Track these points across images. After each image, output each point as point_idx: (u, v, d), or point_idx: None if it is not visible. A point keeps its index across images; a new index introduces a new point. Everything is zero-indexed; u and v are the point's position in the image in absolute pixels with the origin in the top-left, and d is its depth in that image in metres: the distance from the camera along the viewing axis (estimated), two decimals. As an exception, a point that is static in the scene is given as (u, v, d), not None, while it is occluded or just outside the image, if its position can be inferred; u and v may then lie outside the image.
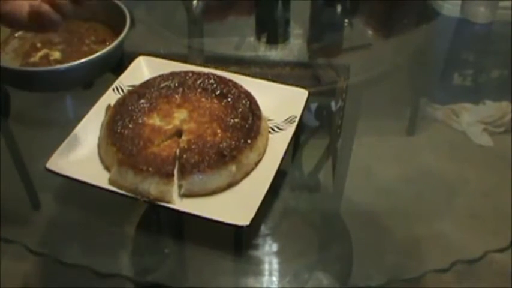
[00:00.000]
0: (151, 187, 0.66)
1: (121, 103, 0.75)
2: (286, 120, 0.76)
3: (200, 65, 0.84)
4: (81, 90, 0.90)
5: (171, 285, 0.64)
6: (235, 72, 0.82)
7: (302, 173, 0.81)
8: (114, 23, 0.92)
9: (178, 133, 0.72)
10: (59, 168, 0.68)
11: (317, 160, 0.81)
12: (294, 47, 1.00)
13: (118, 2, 0.92)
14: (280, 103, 0.77)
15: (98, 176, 0.68)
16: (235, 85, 0.78)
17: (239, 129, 0.72)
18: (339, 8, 1.06)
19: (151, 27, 1.05)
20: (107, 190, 0.67)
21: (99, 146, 0.73)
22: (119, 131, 0.71)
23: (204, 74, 0.79)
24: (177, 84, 0.78)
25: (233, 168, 0.67)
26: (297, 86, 0.80)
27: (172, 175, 0.67)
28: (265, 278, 0.66)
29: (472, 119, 0.86)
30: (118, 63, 0.88)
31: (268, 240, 0.71)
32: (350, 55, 1.00)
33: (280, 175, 0.70)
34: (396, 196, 0.76)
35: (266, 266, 0.68)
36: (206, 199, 0.67)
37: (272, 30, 1.04)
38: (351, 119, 0.88)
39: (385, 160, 0.81)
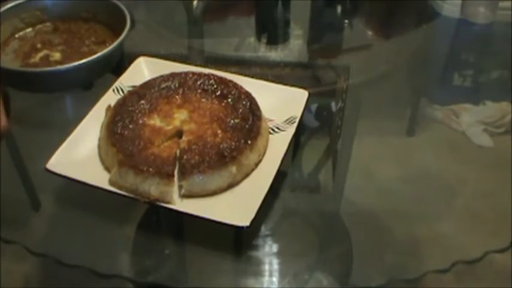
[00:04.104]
0: (152, 188, 0.66)
1: (121, 104, 0.75)
2: (286, 120, 0.76)
3: (200, 65, 0.84)
4: (81, 90, 0.90)
5: (171, 285, 0.64)
6: (236, 73, 0.82)
7: (302, 173, 0.81)
8: (114, 23, 0.92)
9: (179, 134, 0.72)
10: (59, 168, 0.68)
11: (317, 161, 0.81)
12: (294, 47, 1.00)
13: (118, 3, 0.92)
14: (280, 104, 0.77)
15: (98, 176, 0.68)
16: (236, 86, 0.78)
17: (239, 129, 0.72)
18: (339, 9, 1.06)
19: (152, 27, 1.05)
20: (107, 191, 0.67)
21: (99, 146, 0.73)
22: (119, 131, 0.71)
23: (204, 74, 0.80)
24: (177, 85, 0.78)
25: (233, 168, 0.67)
26: (297, 86, 0.80)
27: (173, 176, 0.67)
28: (265, 279, 0.66)
29: (472, 119, 0.86)
30: (118, 63, 0.88)
31: (268, 241, 0.71)
32: (350, 56, 1.00)
33: (280, 176, 0.70)
34: (396, 196, 0.76)
35: (266, 267, 0.68)
36: (206, 200, 0.67)
37: (272, 31, 1.05)
38: (351, 120, 0.88)
39: (385, 160, 0.81)
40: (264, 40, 1.02)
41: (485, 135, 0.84)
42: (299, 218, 0.77)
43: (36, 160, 0.72)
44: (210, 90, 0.78)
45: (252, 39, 1.02)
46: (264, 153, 0.72)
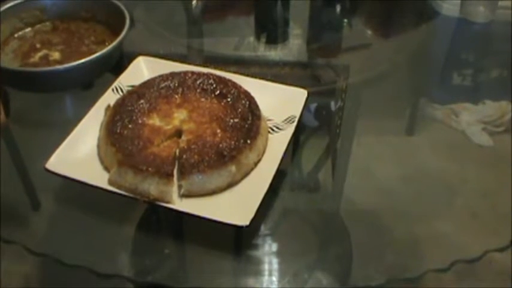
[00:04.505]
0: (151, 187, 0.66)
1: (120, 103, 0.75)
2: (285, 120, 0.76)
3: (199, 65, 0.84)
4: (81, 90, 0.90)
5: (171, 285, 0.64)
6: (235, 72, 0.82)
7: (302, 173, 0.81)
8: (113, 23, 0.92)
9: (178, 133, 0.72)
10: (58, 168, 0.68)
11: (316, 160, 0.81)
12: (294, 47, 1.00)
13: (117, 3, 0.92)
14: (279, 103, 0.77)
15: (97, 176, 0.68)
16: (235, 85, 0.78)
17: (239, 129, 0.72)
18: (338, 8, 1.06)
19: (151, 27, 1.05)
20: (107, 190, 0.67)
21: (98, 146, 0.73)
22: (118, 131, 0.71)
23: (204, 74, 0.80)
24: (176, 85, 0.78)
25: (233, 168, 0.67)
26: (296, 86, 0.80)
27: (172, 175, 0.67)
28: (265, 278, 0.66)
29: (471, 118, 0.86)
30: (117, 63, 0.88)
31: (268, 240, 0.71)
32: (349, 55, 1.00)
33: (279, 175, 0.70)
34: (396, 196, 0.76)
35: (266, 266, 0.68)
36: (206, 199, 0.67)
37: (271, 30, 1.05)
38: (350, 119, 0.88)
39: (385, 160, 0.81)
40: (263, 39, 1.02)
41: (484, 134, 0.84)
42: (299, 218, 0.77)
43: (36, 160, 0.72)
44: (209, 90, 0.78)
45: (251, 39, 1.02)
46: (264, 152, 0.72)
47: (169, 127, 0.73)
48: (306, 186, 0.81)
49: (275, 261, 0.69)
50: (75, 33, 0.94)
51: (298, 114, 0.76)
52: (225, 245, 0.70)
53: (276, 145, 0.72)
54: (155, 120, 0.74)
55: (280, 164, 0.70)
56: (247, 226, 0.62)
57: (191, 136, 0.71)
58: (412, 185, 0.77)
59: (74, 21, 0.96)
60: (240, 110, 0.75)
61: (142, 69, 0.83)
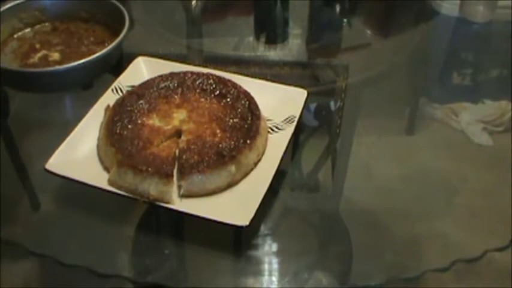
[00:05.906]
0: (151, 187, 0.66)
1: (120, 104, 0.75)
2: (285, 120, 0.76)
3: (199, 65, 0.84)
4: (81, 90, 0.90)
5: (171, 285, 0.64)
6: (234, 72, 0.82)
7: (301, 172, 0.81)
8: (113, 23, 0.92)
9: (178, 133, 0.72)
10: (58, 169, 0.68)
11: (316, 160, 0.81)
12: (293, 46, 1.00)
13: (117, 3, 0.92)
14: (279, 103, 0.77)
15: (97, 176, 0.68)
16: (234, 85, 0.78)
17: (238, 129, 0.72)
18: (337, 8, 1.06)
19: (150, 27, 1.05)
20: (106, 191, 0.67)
21: (98, 146, 0.73)
22: (118, 131, 0.71)
23: (203, 74, 0.80)
24: (176, 85, 0.78)
25: (232, 168, 0.67)
26: (296, 85, 0.80)
27: (172, 175, 0.67)
28: (265, 278, 0.66)
29: (471, 118, 0.86)
30: (117, 63, 0.88)
31: (268, 240, 0.71)
32: (349, 55, 1.00)
33: (279, 175, 0.70)
34: (396, 195, 0.76)
35: (266, 266, 0.68)
36: (205, 199, 0.67)
37: (271, 30, 1.05)
38: (350, 119, 0.88)
39: (385, 160, 0.81)
40: (262, 39, 1.02)
41: (484, 133, 0.84)
42: (298, 217, 0.77)
43: (36, 160, 0.72)
44: (209, 90, 0.78)
45: (251, 39, 1.02)
46: (263, 152, 0.72)
47: (168, 127, 0.73)
48: (305, 186, 0.81)
49: (275, 261, 0.69)
50: (75, 33, 0.94)
51: (297, 114, 0.76)
52: (224, 245, 0.70)
53: (276, 145, 0.72)
54: (155, 121, 0.74)
55: (280, 164, 0.70)
56: (247, 226, 0.62)
57: (191, 136, 0.71)
58: (412, 184, 0.77)
59: (74, 21, 0.96)
60: (239, 110, 0.75)
61: (142, 70, 0.83)
